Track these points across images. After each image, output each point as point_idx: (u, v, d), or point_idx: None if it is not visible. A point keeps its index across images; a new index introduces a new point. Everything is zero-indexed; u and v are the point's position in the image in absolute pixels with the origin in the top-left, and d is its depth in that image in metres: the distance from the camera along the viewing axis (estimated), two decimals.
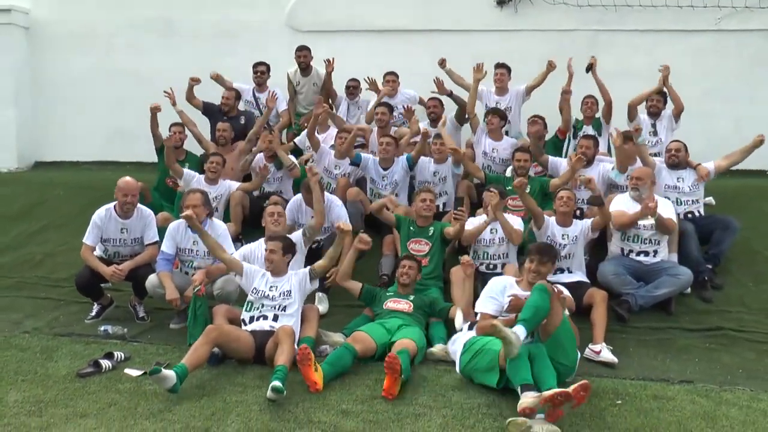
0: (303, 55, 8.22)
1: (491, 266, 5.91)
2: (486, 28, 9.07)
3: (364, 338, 4.87)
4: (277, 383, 4.10)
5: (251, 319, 4.96)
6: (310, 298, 5.54)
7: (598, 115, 7.63)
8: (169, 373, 4.14)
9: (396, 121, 7.84)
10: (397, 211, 6.35)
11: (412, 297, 5.37)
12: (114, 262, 5.74)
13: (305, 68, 8.28)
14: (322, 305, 5.75)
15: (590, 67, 7.48)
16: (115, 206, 5.84)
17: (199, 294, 5.10)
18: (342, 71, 8.07)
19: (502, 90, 7.88)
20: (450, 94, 7.69)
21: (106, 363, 4.67)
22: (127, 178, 5.90)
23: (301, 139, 7.62)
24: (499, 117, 7.31)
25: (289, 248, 5.21)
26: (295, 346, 4.61)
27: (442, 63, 7.85)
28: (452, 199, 6.96)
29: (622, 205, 6.03)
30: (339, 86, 8.28)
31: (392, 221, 6.15)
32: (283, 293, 5.01)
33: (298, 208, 6.42)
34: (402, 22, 9.33)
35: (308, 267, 5.19)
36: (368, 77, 8.04)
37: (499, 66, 7.82)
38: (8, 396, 4.23)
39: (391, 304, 5.32)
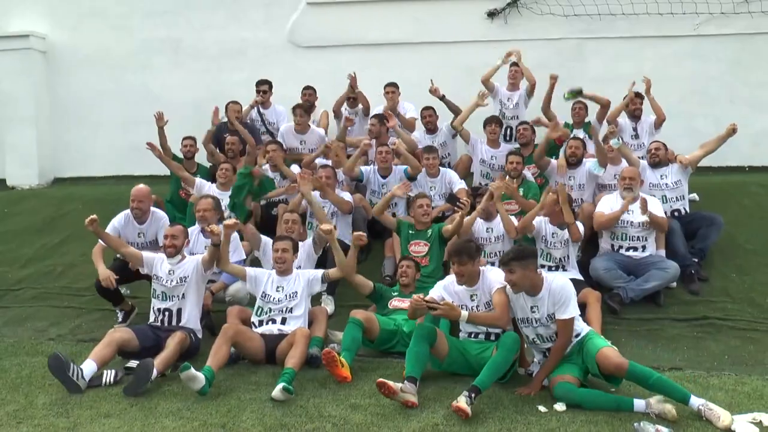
0: (308, 94, 8.52)
1: (487, 264, 6.10)
2: (477, 39, 9.29)
3: (366, 313, 5.11)
4: (286, 385, 4.28)
5: (260, 323, 5.17)
6: (316, 301, 5.74)
7: (588, 119, 7.84)
8: (199, 375, 4.33)
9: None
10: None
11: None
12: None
13: (309, 107, 8.56)
14: (328, 306, 5.94)
15: (579, 93, 7.55)
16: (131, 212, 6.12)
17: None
18: (342, 84, 8.37)
19: (514, 86, 8.17)
20: (442, 98, 7.89)
21: (108, 374, 4.70)
22: (140, 186, 6.21)
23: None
24: (501, 126, 7.52)
25: (297, 247, 5.49)
26: (308, 350, 4.81)
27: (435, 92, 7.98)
28: (451, 210, 7.07)
29: (608, 205, 6.22)
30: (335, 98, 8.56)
31: (393, 224, 6.37)
32: (290, 295, 5.22)
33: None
34: (397, 35, 9.58)
35: (322, 271, 5.39)
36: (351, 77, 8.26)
37: (513, 64, 8.10)
38: (38, 399, 4.40)
39: (395, 302, 5.52)
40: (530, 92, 8.00)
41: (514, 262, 4.36)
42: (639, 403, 4.01)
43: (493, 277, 4.71)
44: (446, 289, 4.78)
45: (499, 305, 4.53)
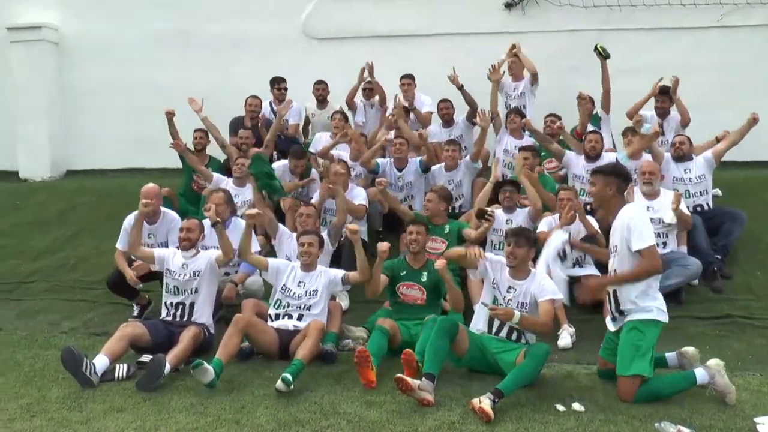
0: (321, 89, 8.52)
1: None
2: (495, 30, 9.18)
3: (391, 322, 5.01)
4: (287, 375, 4.25)
5: (277, 316, 5.13)
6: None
7: (595, 111, 7.73)
8: (208, 368, 4.32)
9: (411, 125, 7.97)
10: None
11: (424, 277, 5.32)
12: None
13: (322, 101, 8.57)
14: (343, 302, 5.90)
15: (606, 57, 7.53)
16: None
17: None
18: (356, 76, 8.31)
19: (516, 77, 8.13)
20: (461, 88, 7.76)
21: (120, 369, 4.71)
22: (149, 185, 6.11)
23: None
24: (520, 116, 7.45)
25: (322, 243, 5.44)
26: (320, 344, 4.79)
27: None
28: (468, 201, 7.10)
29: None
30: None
31: (410, 216, 6.28)
32: (310, 292, 5.15)
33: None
34: (413, 27, 9.52)
35: (343, 273, 5.29)
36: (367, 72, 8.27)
37: (514, 55, 8.06)
38: (51, 392, 4.42)
39: (404, 289, 5.32)
40: (533, 81, 7.97)
41: (599, 174, 4.42)
42: (702, 375, 4.21)
43: (546, 286, 4.62)
44: (491, 262, 4.74)
45: (546, 314, 4.51)
